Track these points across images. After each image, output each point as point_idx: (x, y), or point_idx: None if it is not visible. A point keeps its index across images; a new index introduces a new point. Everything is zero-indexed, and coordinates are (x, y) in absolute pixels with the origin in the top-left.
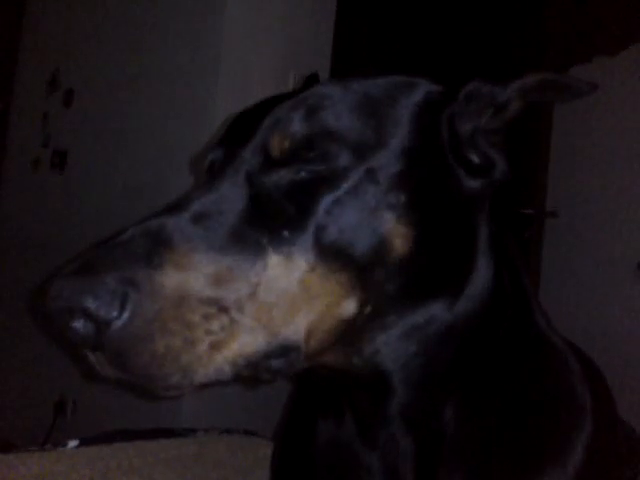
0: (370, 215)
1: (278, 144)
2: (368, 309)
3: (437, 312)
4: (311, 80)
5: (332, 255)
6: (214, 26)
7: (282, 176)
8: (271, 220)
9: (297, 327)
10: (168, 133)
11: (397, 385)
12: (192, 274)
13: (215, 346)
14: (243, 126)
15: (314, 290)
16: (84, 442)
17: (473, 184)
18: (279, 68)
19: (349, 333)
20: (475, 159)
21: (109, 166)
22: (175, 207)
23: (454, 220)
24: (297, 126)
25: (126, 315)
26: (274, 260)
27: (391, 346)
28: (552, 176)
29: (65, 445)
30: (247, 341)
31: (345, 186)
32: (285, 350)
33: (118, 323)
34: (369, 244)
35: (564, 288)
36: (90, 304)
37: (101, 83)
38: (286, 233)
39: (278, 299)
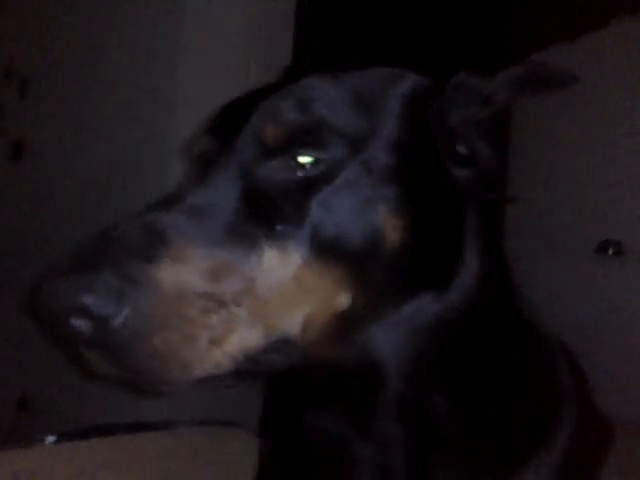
0: (364, 207)
1: (272, 133)
2: (361, 301)
3: (427, 303)
4: (293, 71)
5: (327, 248)
6: (173, 14)
7: (276, 167)
8: (266, 213)
9: (293, 321)
10: (126, 122)
11: (389, 375)
12: (189, 269)
13: (214, 341)
14: (233, 116)
15: (309, 284)
16: (62, 437)
17: (461, 174)
18: (239, 56)
19: (343, 325)
20: (462, 150)
21: (67, 156)
22: (169, 201)
23: (444, 210)
24: (290, 115)
25: (125, 312)
26: (269, 254)
27: (383, 337)
28: (512, 161)
29: (43, 441)
30: (245, 335)
31: (340, 178)
32: (282, 344)
33: (117, 320)
34: (363, 237)
35: (522, 273)
36: (88, 302)
37: (57, 72)
38: (281, 227)
39: (274, 293)
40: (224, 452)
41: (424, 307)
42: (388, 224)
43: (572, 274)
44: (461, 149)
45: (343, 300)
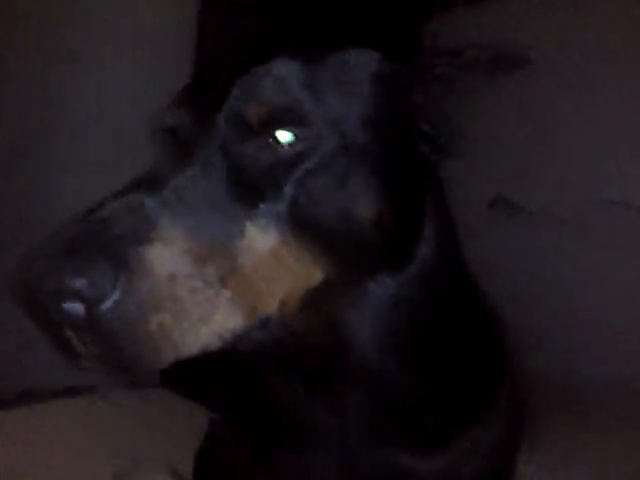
0: (341, 185)
1: (255, 112)
2: (334, 277)
3: (393, 275)
4: (256, 46)
5: (305, 226)
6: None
7: (257, 146)
8: (249, 192)
9: (273, 299)
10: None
11: (356, 345)
12: (178, 251)
13: (203, 319)
14: (208, 91)
15: (288, 261)
16: None
17: (424, 152)
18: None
19: (315, 300)
20: (426, 127)
21: None
22: (153, 182)
23: (411, 187)
24: (272, 94)
25: (117, 294)
26: (251, 234)
27: (352, 310)
28: None
29: None
30: (231, 313)
31: (317, 156)
32: (265, 321)
33: (110, 303)
34: (340, 214)
35: None
36: (81, 285)
37: None
38: (263, 205)
39: (256, 272)
40: (156, 414)
41: (390, 280)
42: (363, 201)
43: (466, 232)
44: (425, 127)
45: (318, 276)
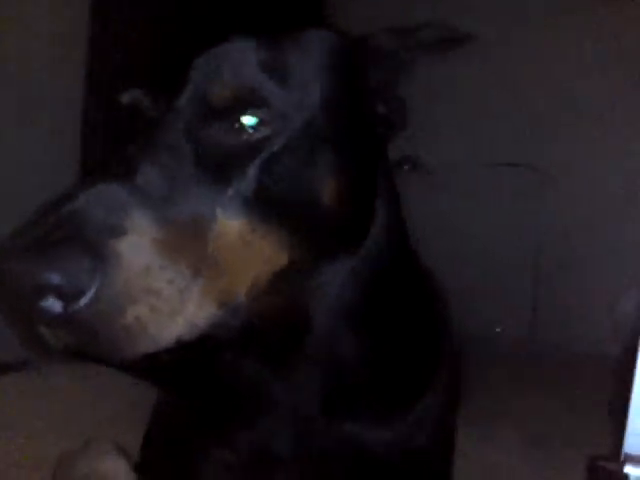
0: (304, 168)
1: (218, 95)
2: (298, 259)
3: (350, 255)
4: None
5: (271, 209)
6: None
7: (222, 129)
8: (216, 177)
9: (243, 284)
10: None
11: (315, 323)
12: (152, 241)
13: (178, 310)
14: (167, 71)
15: (257, 246)
16: None
17: (379, 132)
18: None
19: (279, 282)
20: (381, 109)
21: None
22: (121, 170)
23: (366, 167)
24: (234, 77)
25: (94, 289)
26: (222, 219)
27: (314, 289)
28: None
29: None
30: (205, 302)
31: (280, 140)
32: (236, 307)
33: (88, 298)
34: (304, 196)
35: None
36: (59, 281)
37: None
38: (230, 190)
39: (227, 258)
40: (91, 390)
41: (347, 259)
42: (326, 183)
43: None
44: (380, 108)
45: (284, 258)
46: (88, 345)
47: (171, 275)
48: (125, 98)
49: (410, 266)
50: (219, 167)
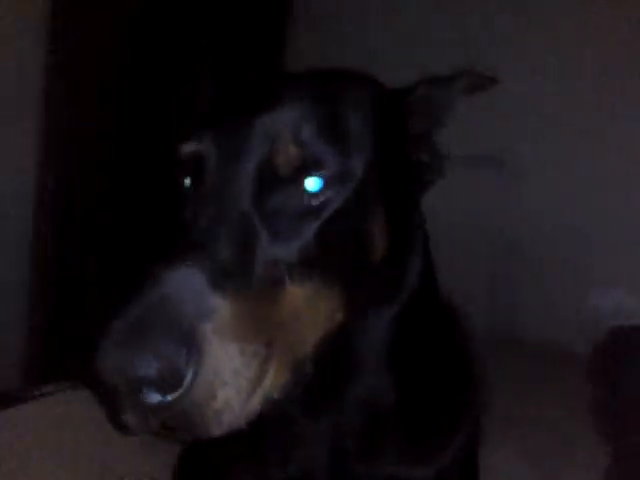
0: (359, 224)
1: (285, 162)
2: (351, 313)
3: (391, 306)
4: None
5: (331, 270)
6: None
7: (285, 195)
8: (281, 244)
9: (310, 346)
10: None
11: (359, 372)
12: (236, 321)
13: (258, 384)
14: (232, 127)
15: (320, 307)
16: None
17: (419, 183)
18: None
19: (334, 336)
20: (425, 158)
21: None
22: (196, 247)
23: (409, 218)
24: (298, 144)
25: (190, 377)
26: (289, 288)
27: (358, 342)
28: None
29: None
30: (280, 372)
31: (341, 201)
32: (305, 372)
33: (184, 387)
34: (358, 254)
35: None
36: (156, 371)
37: None
38: (296, 256)
39: (296, 325)
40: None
41: (389, 309)
42: (377, 237)
43: None
44: (424, 158)
45: (341, 316)
46: (181, 430)
47: (252, 351)
48: (189, 147)
49: (440, 309)
50: (283, 234)
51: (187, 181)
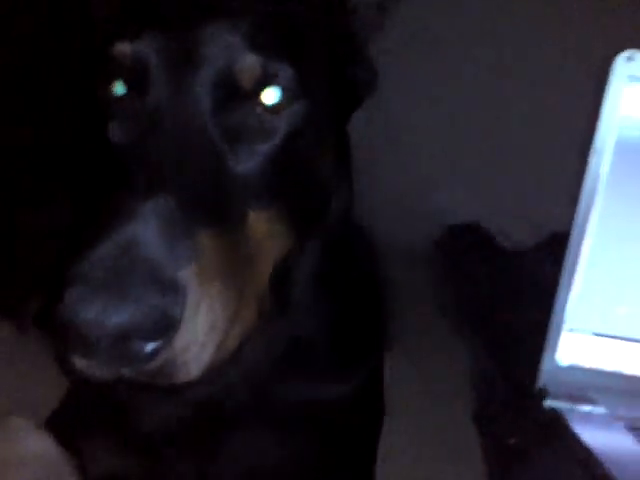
0: (312, 146)
1: (245, 71)
2: (297, 239)
3: (322, 231)
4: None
5: (287, 194)
6: None
7: (243, 112)
8: (243, 166)
9: (267, 278)
10: None
11: (295, 294)
12: (216, 262)
13: (234, 321)
14: (180, 27)
15: (277, 236)
16: None
17: (353, 100)
18: None
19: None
20: (361, 73)
21: None
22: (164, 177)
23: (342, 139)
24: (257, 50)
25: (179, 323)
26: (254, 215)
27: (296, 269)
28: None
29: None
30: (250, 306)
31: (298, 119)
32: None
33: (175, 333)
34: (308, 178)
35: None
36: (142, 322)
37: None
38: (257, 179)
39: (258, 256)
40: None
41: (320, 235)
42: (325, 161)
43: None
44: (360, 72)
45: (291, 242)
46: (157, 374)
47: (231, 288)
48: (123, 48)
49: (356, 233)
50: (245, 155)
51: (119, 87)
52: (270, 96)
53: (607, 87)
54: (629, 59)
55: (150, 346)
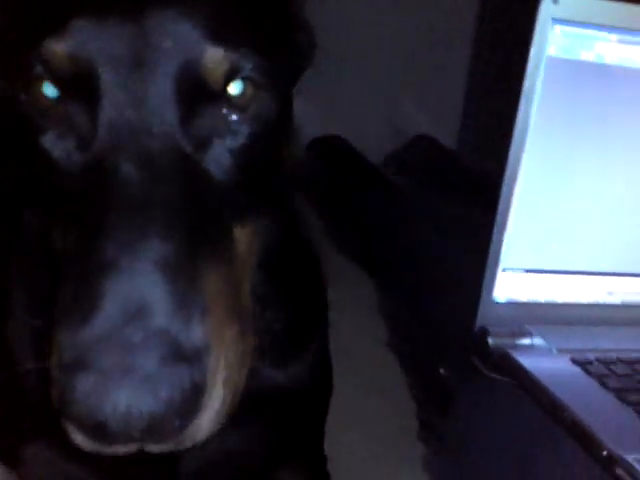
0: (272, 136)
1: (212, 67)
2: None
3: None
4: None
5: (259, 199)
6: None
7: (214, 113)
8: (222, 179)
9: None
10: None
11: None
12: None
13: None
14: (125, 19)
15: (255, 247)
16: None
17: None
18: None
19: None
20: (302, 39)
21: None
22: (146, 215)
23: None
24: (222, 42)
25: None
26: (238, 235)
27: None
28: None
29: None
30: (248, 332)
31: (267, 109)
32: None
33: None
34: (273, 170)
35: None
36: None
37: None
38: (239, 195)
39: (243, 274)
40: None
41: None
42: (284, 148)
43: None
44: (302, 38)
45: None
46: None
47: (237, 327)
48: (59, 47)
49: (299, 226)
50: (216, 162)
51: (49, 89)
52: (236, 91)
53: (533, 29)
54: (554, 1)
55: (181, 420)
